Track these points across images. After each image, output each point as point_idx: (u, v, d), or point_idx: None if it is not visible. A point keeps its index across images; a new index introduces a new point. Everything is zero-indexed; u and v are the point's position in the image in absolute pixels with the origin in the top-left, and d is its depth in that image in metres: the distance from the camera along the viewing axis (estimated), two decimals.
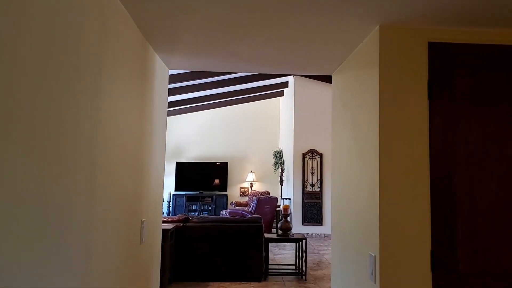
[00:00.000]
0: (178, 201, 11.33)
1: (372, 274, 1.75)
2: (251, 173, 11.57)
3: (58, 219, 1.16)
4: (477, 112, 1.75)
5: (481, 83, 1.76)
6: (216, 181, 11.38)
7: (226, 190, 11.48)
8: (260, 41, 2.00)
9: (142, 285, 2.16)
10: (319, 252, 7.50)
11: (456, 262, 1.70)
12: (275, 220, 9.80)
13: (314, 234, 9.16)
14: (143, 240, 2.12)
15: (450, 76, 1.76)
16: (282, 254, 7.23)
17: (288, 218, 7.92)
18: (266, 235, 5.79)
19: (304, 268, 5.71)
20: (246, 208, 10.01)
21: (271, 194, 11.10)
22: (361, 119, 1.99)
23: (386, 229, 1.71)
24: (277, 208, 9.67)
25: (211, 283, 5.26)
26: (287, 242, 5.82)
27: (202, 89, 8.33)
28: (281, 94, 11.19)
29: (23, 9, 0.94)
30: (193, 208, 11.29)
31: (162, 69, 2.49)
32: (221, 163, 11.46)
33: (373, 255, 1.75)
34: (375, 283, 1.72)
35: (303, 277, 5.58)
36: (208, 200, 11.31)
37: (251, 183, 11.58)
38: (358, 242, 2.00)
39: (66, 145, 1.20)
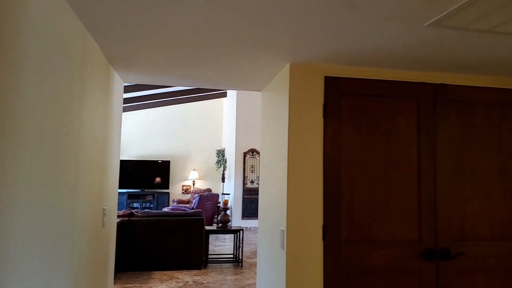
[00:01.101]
0: (120, 199, 11.41)
1: (282, 244, 2.41)
2: (194, 171, 11.96)
3: (54, 207, 1.66)
4: (356, 127, 2.48)
5: (359, 106, 2.49)
6: (158, 179, 11.59)
7: (168, 188, 11.73)
8: (204, 67, 2.58)
9: (105, 260, 2.65)
10: (256, 243, 8.20)
11: (340, 233, 2.41)
12: (216, 216, 10.35)
13: (252, 228, 9.87)
14: (105, 224, 2.61)
15: (338, 101, 2.47)
16: (221, 246, 7.82)
17: (228, 212, 8.52)
18: (207, 227, 6.35)
19: (241, 257, 6.36)
20: (188, 205, 10.44)
21: (213, 191, 11.63)
22: (278, 129, 2.64)
23: (292, 211, 2.37)
24: (218, 204, 10.24)
25: (154, 272, 5.72)
26: (226, 234, 6.42)
27: (145, 88, 8.50)
28: (224, 95, 11.73)
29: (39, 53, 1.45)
30: (135, 206, 11.38)
31: (119, 83, 2.98)
32: (163, 161, 11.67)
33: (283, 230, 2.40)
34: (284, 250, 2.38)
35: (240, 264, 6.22)
36: (149, 198, 11.46)
37: (194, 181, 11.98)
38: (274, 222, 2.65)
39: (62, 147, 1.69)
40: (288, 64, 2.44)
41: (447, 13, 1.59)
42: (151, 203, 11.40)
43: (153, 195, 11.49)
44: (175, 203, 11.11)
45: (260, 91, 3.32)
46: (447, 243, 2.52)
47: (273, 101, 2.84)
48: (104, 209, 2.59)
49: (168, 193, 11.73)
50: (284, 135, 2.48)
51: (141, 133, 11.78)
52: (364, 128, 2.49)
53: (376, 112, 2.52)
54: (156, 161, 11.67)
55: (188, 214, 6.21)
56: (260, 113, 10.82)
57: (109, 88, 2.64)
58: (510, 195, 2.66)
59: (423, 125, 2.55)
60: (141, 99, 10.08)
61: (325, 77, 2.47)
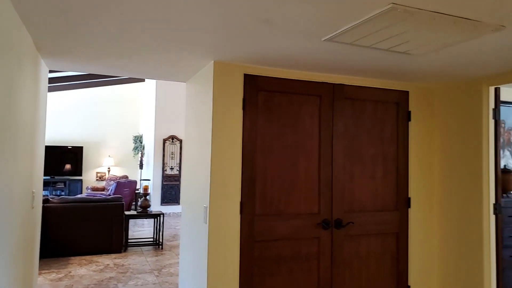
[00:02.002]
0: None
1: (205, 218, 2.77)
2: (109, 158, 11.68)
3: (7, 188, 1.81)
4: (269, 118, 2.91)
5: (272, 101, 2.93)
6: (68, 166, 11.13)
7: (81, 175, 11.31)
8: (132, 60, 2.79)
9: (33, 243, 2.76)
10: (176, 227, 8.44)
11: (254, 208, 2.84)
12: (134, 202, 10.31)
13: (172, 213, 10.06)
14: (33, 206, 2.72)
15: (255, 96, 2.87)
16: (140, 231, 7.93)
17: (148, 197, 8.62)
18: (127, 213, 6.45)
19: (161, 240, 6.58)
20: (104, 192, 10.24)
21: (130, 178, 11.50)
22: (203, 118, 2.97)
23: (214, 190, 2.74)
24: (137, 191, 10.21)
25: (72, 258, 5.71)
26: (146, 218, 6.57)
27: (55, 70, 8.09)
28: (142, 80, 11.56)
29: None
30: (44, 194, 10.85)
31: (45, 70, 3.04)
32: (73, 147, 11.19)
33: (206, 206, 2.76)
34: (206, 224, 2.74)
35: (160, 246, 6.45)
36: (60, 185, 10.97)
37: (109, 168, 11.71)
38: (197, 199, 3.00)
39: (2, 130, 1.84)
40: (212, 62, 2.77)
41: (338, 33, 2.06)
42: (63, 191, 10.92)
43: (64, 183, 11.00)
44: (89, 190, 10.77)
45: (185, 82, 3.60)
46: (340, 215, 3.10)
47: (198, 93, 3.16)
48: (33, 192, 2.70)
49: (81, 180, 11.31)
50: (208, 124, 2.82)
51: (51, 117, 11.13)
52: (276, 119, 2.94)
53: (286, 106, 2.98)
54: (65, 147, 11.12)
55: (107, 200, 6.24)
56: (180, 100, 10.90)
57: (37, 75, 2.73)
58: (389, 175, 3.33)
59: (323, 117, 3.08)
60: (51, 81, 9.54)
61: (245, 74, 2.85)
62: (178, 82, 10.20)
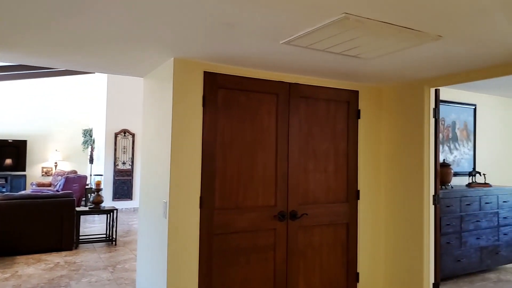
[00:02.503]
0: None
1: (164, 213, 2.81)
2: (56, 152, 11.20)
3: None
4: (229, 115, 3.00)
5: (232, 98, 3.01)
6: (8, 160, 10.54)
7: (24, 170, 10.77)
8: (90, 54, 2.75)
9: None
10: (129, 223, 8.30)
11: (213, 202, 2.92)
12: (83, 198, 9.98)
13: (124, 209, 9.85)
14: None
15: (215, 93, 2.94)
16: (92, 227, 7.73)
17: (101, 193, 8.39)
18: (78, 209, 6.26)
19: (114, 236, 6.46)
20: (51, 188, 9.82)
21: (79, 173, 11.10)
22: (162, 114, 3.00)
23: (174, 185, 2.78)
24: (87, 186, 9.88)
25: (18, 257, 5.47)
26: (99, 214, 6.41)
27: None
28: (91, 72, 11.15)
29: None
30: None
31: None
32: (15, 140, 10.62)
33: (165, 201, 2.80)
34: (166, 218, 2.79)
35: (113, 242, 6.34)
36: (1, 182, 10.39)
37: (56, 163, 11.23)
38: (157, 195, 3.03)
39: None
40: (172, 58, 2.80)
41: (295, 37, 2.19)
42: (3, 187, 10.33)
43: (6, 178, 10.41)
44: (34, 186, 10.28)
45: (142, 77, 3.59)
46: (295, 207, 3.27)
47: (157, 89, 3.17)
48: None
49: (24, 175, 10.75)
50: (168, 120, 2.85)
51: None
52: (236, 116, 3.03)
53: (245, 103, 3.08)
54: (6, 141, 10.50)
55: (57, 196, 6.02)
56: (133, 93, 10.64)
57: None
58: (340, 169, 3.54)
59: (280, 115, 3.22)
60: None
61: (205, 72, 2.91)
62: (130, 77, 9.96)
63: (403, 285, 3.53)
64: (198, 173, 2.87)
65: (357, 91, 3.63)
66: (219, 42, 2.36)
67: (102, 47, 2.55)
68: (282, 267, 3.20)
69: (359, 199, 3.62)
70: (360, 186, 3.63)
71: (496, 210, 4.86)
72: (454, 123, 5.17)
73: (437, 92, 3.44)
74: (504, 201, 4.94)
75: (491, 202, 4.81)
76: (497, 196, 4.87)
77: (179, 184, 2.80)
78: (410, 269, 3.48)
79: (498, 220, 4.87)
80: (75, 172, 10.66)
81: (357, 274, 3.60)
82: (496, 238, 4.85)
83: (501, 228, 4.91)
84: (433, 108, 3.41)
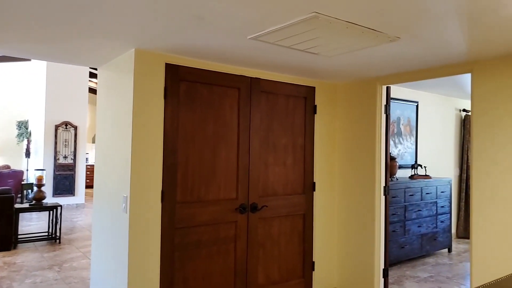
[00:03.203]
0: None
1: (124, 208, 2.73)
2: None
3: None
4: (191, 108, 2.97)
5: (194, 91, 2.99)
6: None
7: None
8: (43, 43, 2.59)
9: None
10: (72, 220, 7.91)
11: (175, 196, 2.89)
12: (20, 194, 9.33)
13: (66, 205, 9.35)
14: None
15: (177, 85, 2.90)
16: (31, 226, 7.26)
17: (43, 188, 7.90)
18: (17, 206, 5.86)
19: (58, 234, 6.13)
20: None
21: (14, 168, 10.34)
22: (122, 107, 2.90)
23: (135, 179, 2.71)
24: (23, 182, 9.24)
25: None
26: (41, 211, 6.04)
27: None
28: (27, 59, 10.41)
29: None
30: None
31: None
32: None
33: (126, 196, 2.73)
34: (126, 213, 2.71)
35: (57, 240, 6.02)
36: None
37: None
38: (115, 189, 2.93)
39: None
40: (133, 49, 2.71)
41: (263, 33, 2.22)
42: None
43: None
44: None
45: (97, 67, 3.43)
46: (255, 199, 3.32)
47: (115, 80, 3.05)
48: None
49: None
50: (128, 112, 2.76)
51: None
52: (198, 109, 3.01)
53: (208, 97, 3.06)
54: None
55: None
56: (75, 83, 10.10)
57: None
58: (298, 163, 3.65)
59: (242, 109, 3.24)
60: None
61: (166, 64, 2.85)
62: (73, 68, 9.43)
63: (355, 272, 3.74)
64: (159, 166, 2.82)
65: (314, 87, 3.76)
66: (185, 35, 2.33)
67: (59, 35, 2.41)
68: (243, 258, 3.25)
69: (314, 190, 3.76)
70: (316, 178, 3.77)
71: (435, 200, 5.28)
72: (399, 119, 5.51)
73: (388, 90, 3.66)
74: (441, 191, 5.38)
75: (431, 193, 5.21)
76: (436, 187, 5.29)
77: (140, 178, 2.73)
78: (362, 257, 3.68)
79: (436, 209, 5.30)
80: (8, 167, 9.92)
81: (313, 262, 3.74)
82: (435, 225, 5.27)
83: (439, 216, 5.34)
84: (385, 105, 3.62)
